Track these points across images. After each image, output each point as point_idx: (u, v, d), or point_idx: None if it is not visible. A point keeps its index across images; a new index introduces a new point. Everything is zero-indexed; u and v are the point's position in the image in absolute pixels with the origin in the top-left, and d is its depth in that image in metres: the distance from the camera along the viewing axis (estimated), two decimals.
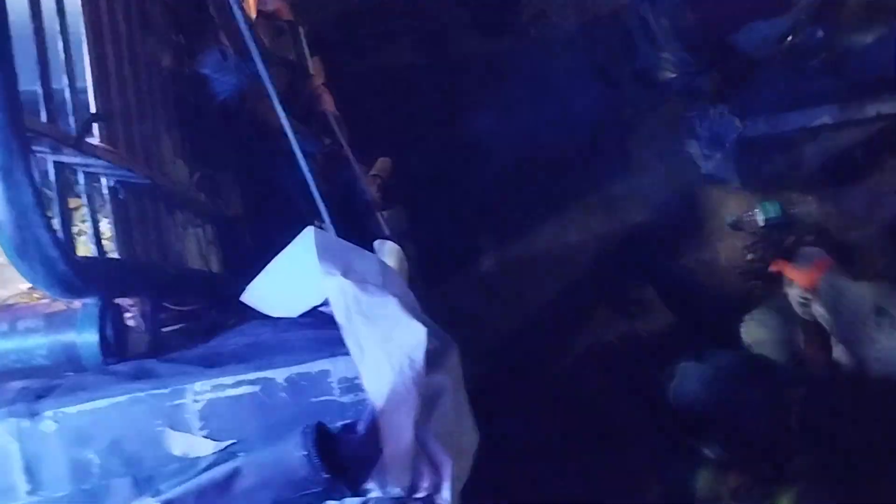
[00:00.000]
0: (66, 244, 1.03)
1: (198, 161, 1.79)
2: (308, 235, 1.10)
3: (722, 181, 2.65)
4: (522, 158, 2.60)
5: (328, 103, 1.87)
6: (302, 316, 1.14)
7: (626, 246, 2.63)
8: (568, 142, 2.62)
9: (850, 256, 2.57)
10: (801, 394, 2.02)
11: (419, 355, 0.96)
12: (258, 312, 1.21)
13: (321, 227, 1.82)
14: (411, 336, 0.97)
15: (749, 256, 2.62)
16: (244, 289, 1.22)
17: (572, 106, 2.63)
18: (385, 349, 0.96)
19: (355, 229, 1.93)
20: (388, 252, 1.67)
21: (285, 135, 1.71)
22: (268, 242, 1.67)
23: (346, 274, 1.02)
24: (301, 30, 1.78)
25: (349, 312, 0.98)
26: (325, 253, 1.05)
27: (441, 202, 2.52)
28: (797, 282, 2.21)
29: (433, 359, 0.99)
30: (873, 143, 2.58)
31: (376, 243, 1.68)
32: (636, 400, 2.38)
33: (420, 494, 0.95)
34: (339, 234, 1.56)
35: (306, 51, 1.80)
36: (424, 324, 0.98)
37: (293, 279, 1.14)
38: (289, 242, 1.17)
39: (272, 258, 1.20)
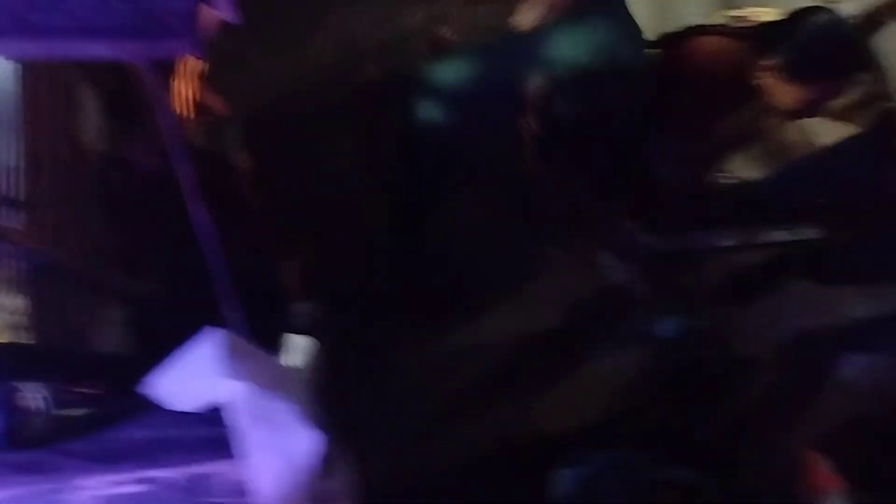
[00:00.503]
0: None
1: (119, 240, 1.81)
2: (216, 336, 1.13)
3: (630, 292, 2.78)
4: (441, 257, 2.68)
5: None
6: (204, 413, 1.16)
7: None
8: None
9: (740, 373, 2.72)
10: None
11: (311, 460, 1.00)
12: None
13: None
14: (304, 443, 1.01)
15: (646, 369, 2.73)
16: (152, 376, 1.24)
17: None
18: (283, 454, 1.00)
19: (270, 318, 1.95)
20: (299, 347, 1.70)
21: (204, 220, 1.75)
22: (184, 325, 1.70)
23: (250, 379, 1.06)
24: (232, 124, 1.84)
25: (250, 417, 1.02)
26: (232, 355, 1.09)
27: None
28: None
29: (327, 465, 1.03)
30: (774, 266, 2.73)
31: (289, 337, 1.71)
32: None
33: None
34: (251, 323, 1.59)
35: (237, 145, 1.86)
36: (321, 432, 1.02)
37: (198, 374, 1.17)
38: (202, 327, 1.20)
39: (185, 344, 1.22)
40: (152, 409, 1.22)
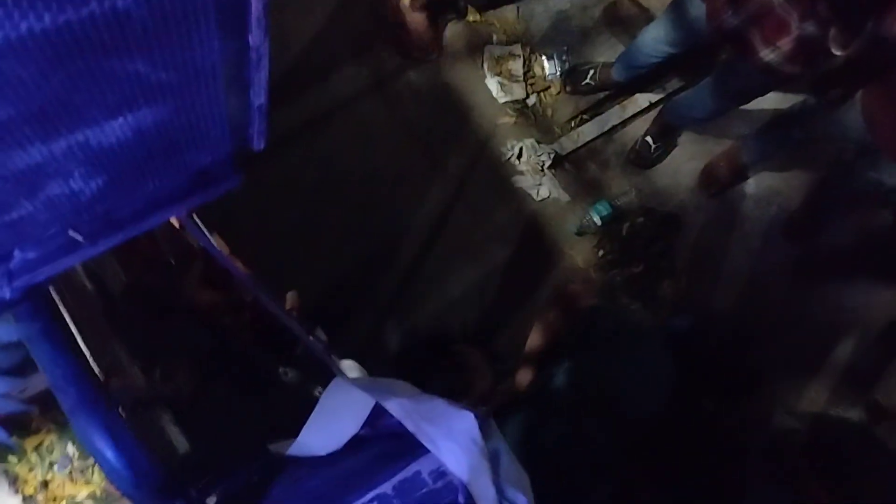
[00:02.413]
0: None
1: (148, 357, 1.96)
2: (338, 383, 1.36)
3: (554, 200, 3.10)
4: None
5: (242, 267, 2.08)
6: (350, 445, 1.38)
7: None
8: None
9: (676, 222, 3.12)
10: None
11: (476, 434, 1.24)
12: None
13: (287, 374, 2.05)
14: (465, 422, 1.25)
15: (601, 253, 3.08)
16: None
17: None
18: (452, 438, 1.23)
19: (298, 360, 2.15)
20: (351, 367, 1.93)
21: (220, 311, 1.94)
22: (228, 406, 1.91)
23: (391, 395, 1.28)
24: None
25: (415, 421, 1.24)
26: (364, 387, 1.31)
27: (343, 304, 2.77)
28: None
29: (483, 431, 1.27)
30: (657, 125, 3.08)
31: (342, 363, 1.92)
32: None
33: None
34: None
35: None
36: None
37: (331, 421, 1.39)
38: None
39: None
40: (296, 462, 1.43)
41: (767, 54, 2.17)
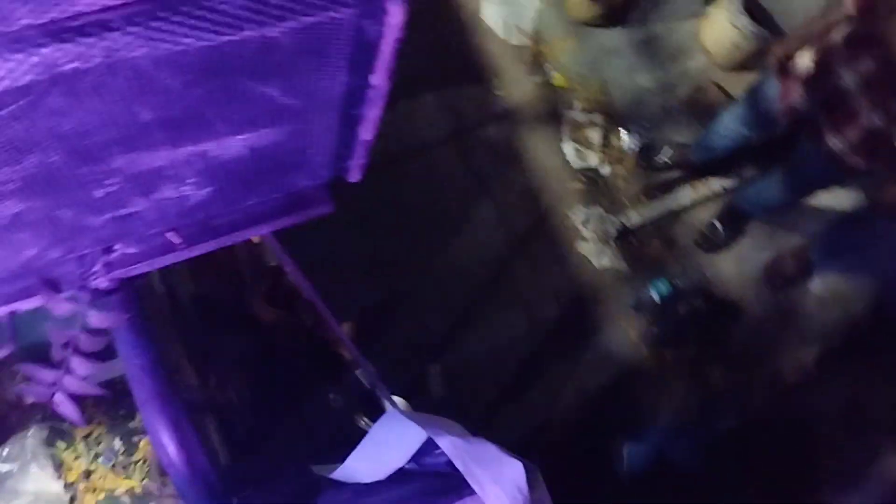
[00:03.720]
0: None
1: (206, 363, 2.02)
2: (393, 414, 1.39)
3: (614, 271, 3.11)
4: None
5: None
6: (394, 477, 1.41)
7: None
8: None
9: (734, 310, 3.10)
10: None
11: (523, 483, 1.26)
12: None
13: (335, 400, 2.09)
14: (513, 470, 1.26)
15: (655, 331, 3.08)
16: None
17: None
18: (499, 483, 1.25)
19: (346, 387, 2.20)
20: (399, 403, 1.96)
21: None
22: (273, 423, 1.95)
23: (443, 432, 1.30)
24: None
25: (464, 461, 1.26)
26: (418, 422, 1.33)
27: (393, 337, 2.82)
28: None
29: (530, 481, 1.28)
30: (727, 210, 3.09)
31: (396, 400, 1.96)
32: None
33: None
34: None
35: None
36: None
37: (381, 450, 1.42)
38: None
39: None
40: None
41: (834, 141, 2.18)
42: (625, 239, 3.12)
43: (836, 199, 2.70)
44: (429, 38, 3.09)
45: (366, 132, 1.05)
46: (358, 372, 2.30)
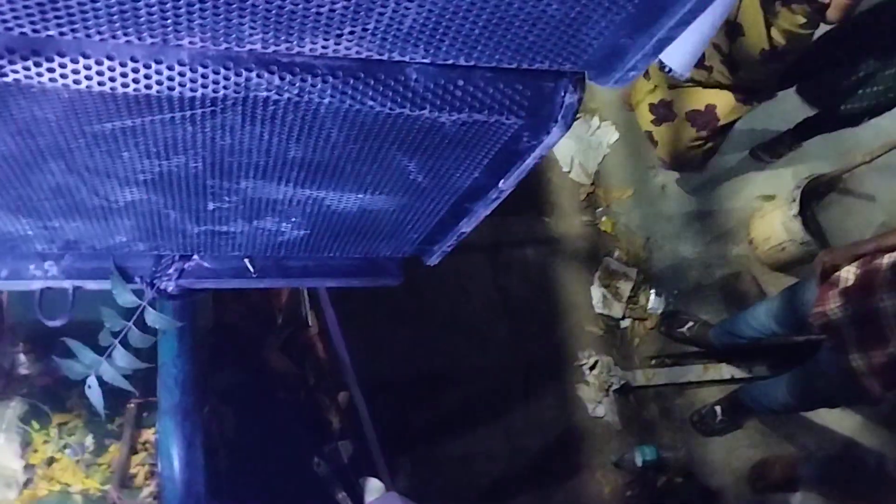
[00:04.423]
0: None
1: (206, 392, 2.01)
2: (392, 497, 1.38)
3: (606, 423, 3.11)
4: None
5: (321, 350, 2.16)
6: None
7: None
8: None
9: (711, 499, 3.08)
10: None
11: None
12: None
13: (319, 466, 2.07)
14: None
15: (628, 493, 3.05)
16: None
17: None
18: None
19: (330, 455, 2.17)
20: (375, 488, 1.94)
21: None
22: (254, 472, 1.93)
23: None
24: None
25: None
26: None
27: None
28: None
29: None
30: (730, 400, 3.12)
31: (368, 482, 1.94)
32: None
33: None
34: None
35: (307, 305, 2.11)
36: None
37: None
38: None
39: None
40: None
41: (856, 359, 2.21)
42: (625, 395, 3.14)
43: (842, 420, 2.72)
44: None
45: (467, 225, 1.10)
46: (341, 444, 2.28)
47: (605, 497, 3.03)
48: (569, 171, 3.34)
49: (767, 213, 3.23)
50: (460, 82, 0.76)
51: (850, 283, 2.24)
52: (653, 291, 3.25)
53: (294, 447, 2.04)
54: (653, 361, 3.18)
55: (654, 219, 3.34)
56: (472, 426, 2.91)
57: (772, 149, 3.40)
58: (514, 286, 3.14)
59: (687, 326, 3.14)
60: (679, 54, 1.78)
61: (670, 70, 1.99)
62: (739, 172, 3.48)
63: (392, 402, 2.82)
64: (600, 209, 3.32)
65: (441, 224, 1.10)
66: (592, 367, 3.15)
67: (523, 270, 3.17)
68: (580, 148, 3.36)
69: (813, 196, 3.19)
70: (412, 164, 0.91)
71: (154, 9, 0.63)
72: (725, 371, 3.19)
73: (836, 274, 2.31)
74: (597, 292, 3.22)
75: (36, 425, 1.97)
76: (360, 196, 1.00)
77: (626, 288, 3.24)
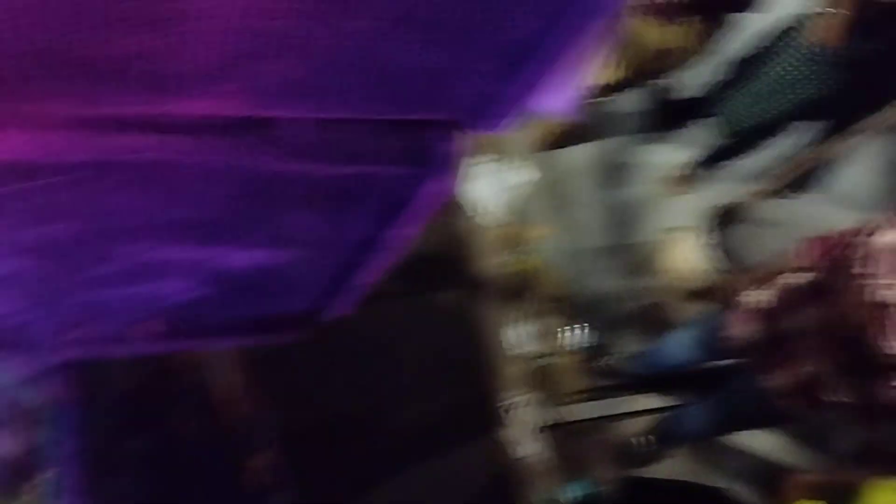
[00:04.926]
0: None
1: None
2: None
3: (536, 462, 3.10)
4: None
5: (238, 406, 2.11)
6: None
7: None
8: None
9: None
10: None
11: None
12: None
13: None
14: None
15: None
16: None
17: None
18: None
19: None
20: None
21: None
22: None
23: None
24: None
25: None
26: None
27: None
28: None
29: None
30: (659, 428, 3.15)
31: None
32: None
33: None
34: None
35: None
36: None
37: None
38: None
39: None
40: None
41: (772, 379, 2.25)
42: (554, 433, 3.14)
43: (764, 443, 2.78)
44: None
45: (365, 276, 1.09)
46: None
47: None
48: (485, 214, 3.37)
49: (679, 241, 3.31)
50: (333, 135, 0.76)
51: (760, 305, 2.31)
52: (576, 327, 3.28)
53: None
54: (581, 396, 3.20)
55: (572, 255, 3.39)
56: (398, 477, 2.86)
57: (679, 179, 3.51)
58: (432, 333, 3.12)
59: (612, 359, 3.18)
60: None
61: None
62: (650, 205, 3.57)
63: (320, 453, 2.75)
64: (519, 248, 3.36)
65: (338, 276, 1.09)
66: (517, 408, 3.14)
67: (442, 317, 3.16)
68: (495, 190, 3.39)
69: (720, 223, 3.29)
70: (297, 219, 0.90)
71: None
72: (654, 401, 3.23)
73: (745, 298, 2.38)
74: (521, 331, 3.23)
75: None
76: (247, 253, 0.98)
77: (549, 325, 3.26)
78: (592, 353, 3.23)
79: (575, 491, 2.96)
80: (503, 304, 3.27)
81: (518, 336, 3.22)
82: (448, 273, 3.21)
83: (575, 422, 3.15)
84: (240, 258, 1.00)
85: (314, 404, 2.80)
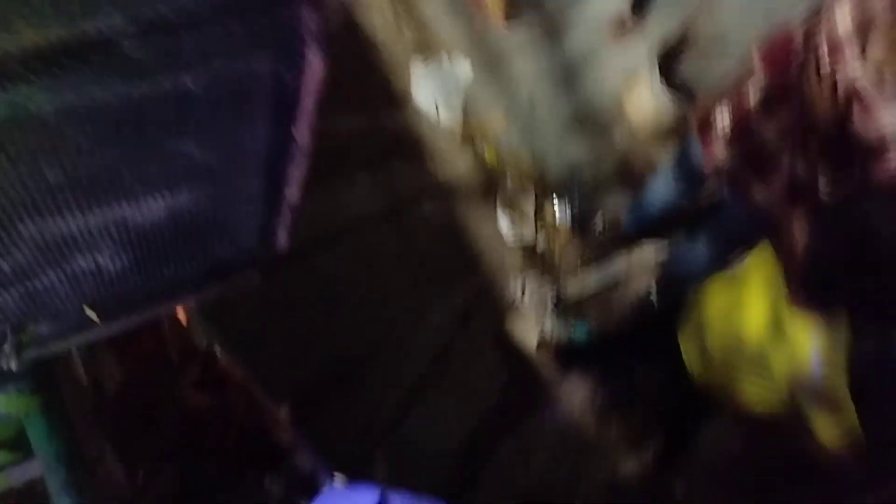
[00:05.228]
0: None
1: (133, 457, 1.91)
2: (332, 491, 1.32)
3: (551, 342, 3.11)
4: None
5: (238, 373, 2.08)
6: None
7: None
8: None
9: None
10: None
11: None
12: None
13: (272, 488, 2.00)
14: None
15: (597, 399, 3.05)
16: None
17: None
18: None
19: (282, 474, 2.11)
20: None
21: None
22: None
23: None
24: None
25: None
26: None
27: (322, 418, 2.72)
28: None
29: None
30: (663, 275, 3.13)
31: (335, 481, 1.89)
32: None
33: None
34: None
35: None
36: None
37: None
38: None
39: None
40: None
41: (759, 191, 2.21)
42: (562, 309, 3.13)
43: None
44: (359, 118, 3.11)
45: (291, 194, 1.02)
46: (297, 456, 2.21)
47: (578, 413, 3.03)
48: (437, 114, 3.28)
49: (634, 88, 3.23)
50: (184, 35, 0.68)
51: (727, 122, 2.24)
52: (555, 202, 3.23)
53: (241, 482, 1.96)
54: (579, 268, 3.18)
55: (532, 133, 3.32)
56: (428, 397, 2.87)
57: (619, 24, 3.40)
58: (422, 245, 3.08)
59: (598, 224, 3.14)
60: None
61: None
62: (594, 57, 3.46)
63: (343, 395, 2.76)
64: (479, 141, 3.28)
65: (265, 202, 1.03)
66: (522, 295, 3.12)
67: (427, 226, 3.12)
68: (439, 90, 3.30)
69: (671, 57, 3.20)
70: (190, 146, 0.83)
71: None
72: (650, 252, 3.20)
73: (711, 120, 2.31)
74: (504, 222, 3.19)
75: None
76: (159, 201, 0.92)
77: (529, 208, 3.22)
78: (579, 223, 3.19)
79: (581, 331, 2.98)
80: (481, 200, 3.22)
81: (505, 227, 3.19)
82: (420, 184, 3.16)
83: (583, 293, 3.14)
84: (151, 209, 0.94)
85: (315, 346, 2.79)
